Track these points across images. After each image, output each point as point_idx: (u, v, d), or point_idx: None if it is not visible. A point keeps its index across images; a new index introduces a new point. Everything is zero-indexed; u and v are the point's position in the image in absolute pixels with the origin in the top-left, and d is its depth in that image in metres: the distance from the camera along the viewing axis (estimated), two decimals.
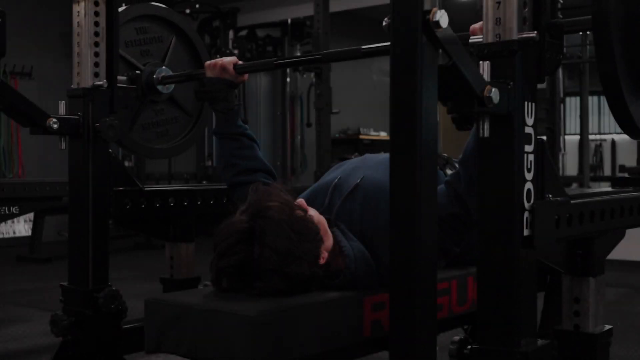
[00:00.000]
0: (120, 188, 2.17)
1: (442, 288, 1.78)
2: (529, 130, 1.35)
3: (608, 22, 1.33)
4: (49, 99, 3.90)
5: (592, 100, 11.23)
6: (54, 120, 2.01)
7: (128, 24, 2.35)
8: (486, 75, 1.31)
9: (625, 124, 1.41)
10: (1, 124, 7.42)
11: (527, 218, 1.32)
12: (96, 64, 2.11)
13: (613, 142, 11.41)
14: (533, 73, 1.36)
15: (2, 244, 7.27)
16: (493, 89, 1.27)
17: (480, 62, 1.33)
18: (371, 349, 1.78)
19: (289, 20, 8.28)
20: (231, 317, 1.53)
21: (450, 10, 1.28)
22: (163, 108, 2.45)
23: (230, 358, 1.53)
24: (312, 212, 1.74)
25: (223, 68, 2.07)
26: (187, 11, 7.76)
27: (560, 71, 6.99)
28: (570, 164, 8.96)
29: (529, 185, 1.34)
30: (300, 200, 1.76)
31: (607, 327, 1.64)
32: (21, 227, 7.43)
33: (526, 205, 1.33)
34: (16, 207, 3.46)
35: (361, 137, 9.60)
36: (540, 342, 1.36)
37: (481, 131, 1.32)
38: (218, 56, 7.84)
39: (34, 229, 6.32)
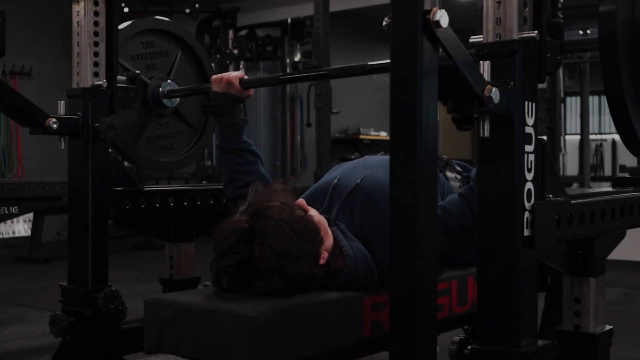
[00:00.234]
0: (120, 188, 2.17)
1: (442, 288, 1.77)
2: (529, 130, 1.34)
3: (615, 43, 1.35)
4: (49, 98, 3.89)
5: (593, 100, 11.22)
6: (54, 120, 2.00)
7: (135, 37, 2.37)
8: (486, 75, 1.31)
9: (630, 141, 1.44)
10: (0, 124, 7.41)
11: (527, 218, 1.32)
12: (96, 64, 2.11)
13: (614, 142, 11.38)
14: (533, 73, 1.36)
15: (1, 244, 7.26)
16: (493, 89, 1.26)
17: (481, 61, 1.33)
18: (371, 349, 1.77)
19: (289, 20, 8.27)
20: (231, 318, 1.53)
21: (451, 10, 1.28)
22: (168, 122, 2.46)
23: (229, 358, 1.53)
24: (313, 212, 1.74)
25: (229, 83, 2.08)
26: (187, 11, 7.76)
27: (560, 71, 6.99)
28: (570, 164, 8.95)
29: (529, 185, 1.33)
30: (301, 200, 1.75)
31: (608, 327, 1.63)
32: (20, 227, 7.42)
33: (526, 205, 1.32)
34: (15, 207, 3.45)
35: (361, 137, 9.59)
36: (540, 342, 1.36)
37: (481, 131, 1.32)
38: (218, 56, 7.86)
39: (33, 229, 6.31)
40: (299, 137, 8.73)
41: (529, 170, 1.34)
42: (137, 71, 2.22)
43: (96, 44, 2.11)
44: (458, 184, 2.01)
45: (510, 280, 1.31)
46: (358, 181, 1.85)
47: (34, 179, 4.76)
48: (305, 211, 1.70)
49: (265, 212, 1.63)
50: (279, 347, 1.53)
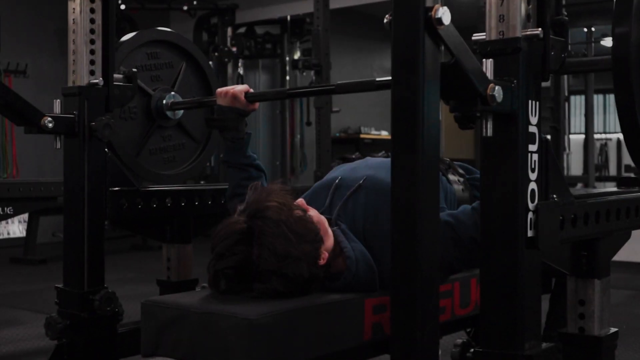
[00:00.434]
0: (117, 188, 2.15)
1: (444, 290, 1.77)
2: (533, 129, 1.34)
3: (629, 65, 1.36)
4: (44, 97, 3.87)
5: (597, 99, 11.21)
6: (49, 119, 1.99)
7: (140, 49, 2.37)
8: (489, 73, 1.30)
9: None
10: None
11: (531, 219, 1.31)
12: (92, 62, 2.10)
13: (619, 142, 11.36)
14: (537, 71, 1.36)
15: None
16: (496, 87, 1.26)
17: (484, 59, 1.32)
18: (372, 352, 1.76)
19: (289, 17, 8.26)
20: (229, 320, 1.52)
21: (453, 7, 1.26)
22: (171, 134, 2.46)
23: None
24: (312, 212, 1.73)
25: (234, 97, 2.06)
26: (185, 8, 7.73)
27: None
28: (575, 164, 8.94)
29: (533, 186, 1.33)
30: (300, 200, 1.74)
31: (613, 329, 1.62)
32: (15, 227, 7.41)
33: (530, 205, 1.32)
34: (10, 207, 3.43)
35: (362, 136, 9.57)
36: (544, 345, 1.35)
37: (484, 130, 1.31)
38: (216, 54, 7.84)
39: (28, 230, 6.29)
40: (298, 136, 8.71)
41: (533, 170, 1.33)
42: (134, 69, 2.19)
43: (92, 41, 2.10)
44: (461, 186, 1.99)
45: (514, 282, 1.30)
46: (361, 181, 1.83)
47: (29, 179, 4.74)
48: (305, 211, 1.69)
49: (263, 213, 1.61)
50: (278, 349, 1.52)
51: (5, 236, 7.36)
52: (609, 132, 12.09)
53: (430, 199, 1.24)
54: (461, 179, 2.01)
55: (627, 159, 10.88)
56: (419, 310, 1.22)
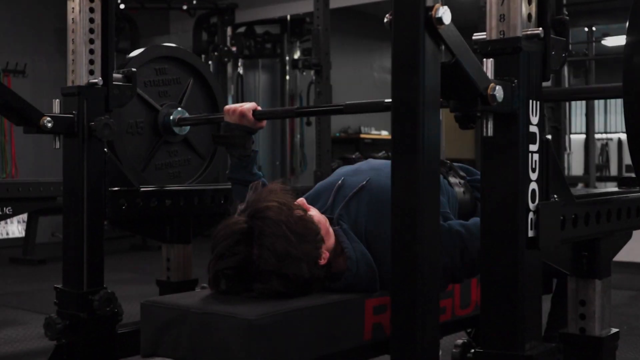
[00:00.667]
0: (116, 188, 2.14)
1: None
2: (533, 129, 1.33)
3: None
4: (43, 97, 3.88)
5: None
6: (48, 118, 1.98)
7: (149, 64, 2.41)
8: (490, 73, 1.30)
9: None
10: None
11: (531, 219, 1.31)
12: (91, 62, 2.09)
13: (619, 142, 11.36)
14: (538, 70, 1.35)
15: None
16: (497, 87, 1.25)
17: (484, 59, 1.32)
18: (372, 352, 1.76)
19: (289, 17, 8.25)
20: (229, 320, 1.52)
21: (453, 6, 1.26)
22: (177, 149, 2.49)
23: None
24: (313, 211, 1.72)
25: (242, 114, 2.07)
26: (184, 7, 7.72)
27: (565, 69, 6.99)
28: (575, 164, 8.94)
29: (533, 186, 1.32)
30: (300, 200, 1.74)
31: (614, 330, 1.61)
32: (14, 228, 7.41)
33: (531, 205, 1.31)
34: (9, 207, 3.42)
35: (362, 136, 9.56)
36: (545, 345, 1.34)
37: (485, 130, 1.30)
38: (216, 54, 7.83)
39: (27, 230, 6.28)
40: (298, 136, 8.71)
41: (534, 170, 1.32)
42: (134, 69, 2.19)
43: (92, 41, 2.09)
44: (462, 189, 1.99)
45: (514, 282, 1.30)
46: (364, 182, 1.83)
47: (28, 179, 4.74)
48: (305, 211, 1.69)
49: (263, 213, 1.61)
50: (278, 350, 1.52)
51: (5, 236, 7.36)
52: (610, 132, 12.08)
53: (430, 199, 1.23)
54: (462, 181, 2.01)
55: (627, 159, 10.87)
56: (419, 310, 1.22)
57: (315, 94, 6.38)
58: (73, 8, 2.10)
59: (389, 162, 1.89)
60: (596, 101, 8.69)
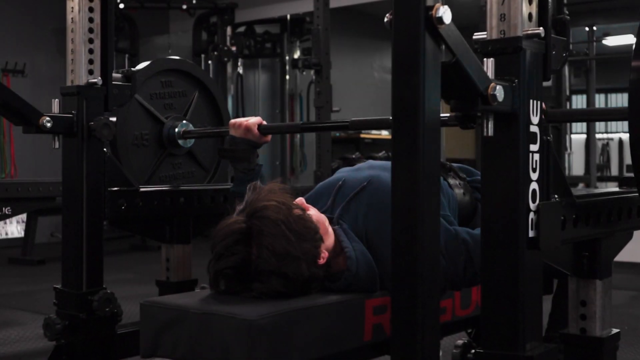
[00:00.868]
0: (115, 188, 2.14)
1: None
2: (534, 129, 1.33)
3: None
4: (42, 96, 3.87)
5: (599, 98, 11.19)
6: (47, 118, 1.98)
7: (155, 77, 2.42)
8: (490, 73, 1.29)
9: None
10: None
11: (532, 219, 1.31)
12: (90, 61, 2.09)
13: (620, 141, 11.34)
14: (538, 70, 1.35)
15: None
16: (497, 87, 1.25)
17: (485, 59, 1.31)
18: (372, 353, 1.76)
19: (288, 16, 8.24)
20: (229, 321, 1.52)
21: (454, 6, 1.25)
22: (181, 162, 2.51)
23: None
24: (312, 211, 1.72)
25: (247, 129, 2.09)
26: (184, 7, 7.72)
27: (566, 68, 6.99)
28: (576, 164, 8.93)
29: (534, 186, 1.32)
30: (299, 199, 1.74)
31: (615, 330, 1.61)
32: (14, 228, 7.40)
33: (531, 206, 1.31)
34: (8, 207, 3.42)
35: (362, 136, 9.54)
36: (545, 346, 1.34)
37: (485, 130, 1.30)
38: (215, 54, 7.82)
39: (26, 230, 6.27)
40: (298, 136, 8.70)
41: (534, 170, 1.32)
42: (133, 68, 2.18)
43: (91, 41, 2.09)
44: (462, 190, 1.98)
45: (515, 283, 1.30)
46: (365, 183, 1.83)
47: (28, 179, 4.73)
48: (304, 210, 1.69)
49: (262, 212, 1.61)
50: (278, 350, 1.52)
51: (4, 236, 7.35)
52: (611, 132, 12.07)
53: (430, 200, 1.23)
54: (462, 183, 2.00)
55: (628, 159, 10.84)
56: (419, 311, 1.21)
57: (315, 93, 6.38)
58: (72, 8, 2.09)
59: (389, 162, 1.89)
60: (597, 101, 8.70)
